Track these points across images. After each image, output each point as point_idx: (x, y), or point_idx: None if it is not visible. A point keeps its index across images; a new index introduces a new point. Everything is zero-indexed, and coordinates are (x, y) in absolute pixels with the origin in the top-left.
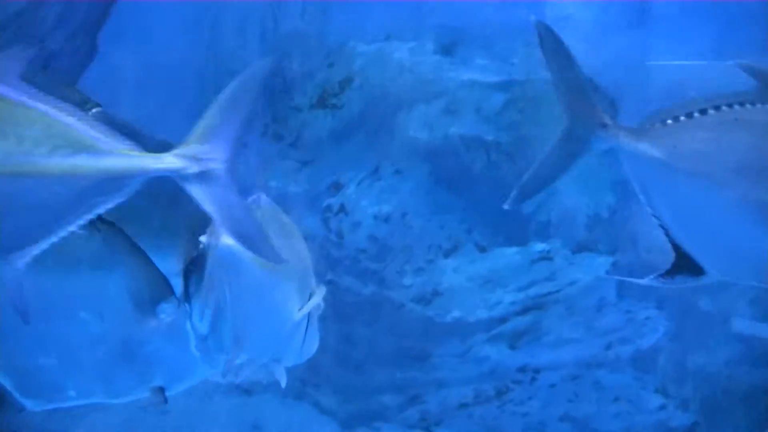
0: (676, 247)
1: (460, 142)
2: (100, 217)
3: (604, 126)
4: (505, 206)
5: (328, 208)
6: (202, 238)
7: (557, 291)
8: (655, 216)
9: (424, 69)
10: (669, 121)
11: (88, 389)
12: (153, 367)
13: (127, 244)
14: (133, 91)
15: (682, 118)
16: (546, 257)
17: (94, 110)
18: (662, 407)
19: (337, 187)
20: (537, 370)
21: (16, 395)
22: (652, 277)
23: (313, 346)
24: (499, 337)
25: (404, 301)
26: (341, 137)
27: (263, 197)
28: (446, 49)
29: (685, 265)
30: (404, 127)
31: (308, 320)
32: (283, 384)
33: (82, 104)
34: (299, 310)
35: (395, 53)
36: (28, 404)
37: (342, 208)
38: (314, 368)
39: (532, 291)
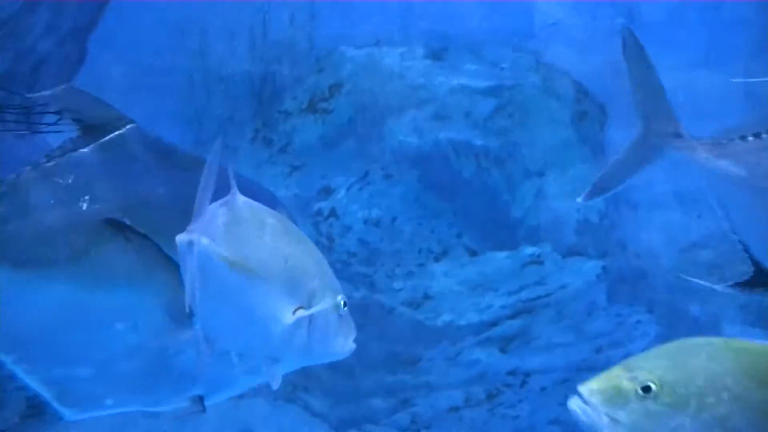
0: (755, 263)
1: (449, 147)
2: (133, 230)
3: (679, 136)
4: (579, 200)
5: (319, 212)
6: (179, 237)
7: (547, 295)
8: (733, 231)
9: (414, 74)
10: (750, 138)
11: (126, 398)
12: (190, 377)
13: (160, 257)
14: (122, 96)
15: (765, 135)
16: (536, 261)
17: (128, 126)
18: None
19: (327, 192)
20: (527, 374)
21: (55, 405)
22: (727, 284)
23: (325, 348)
24: (490, 341)
25: (394, 305)
26: (331, 142)
27: (239, 197)
28: (436, 55)
29: (765, 280)
30: (394, 132)
31: (311, 322)
32: (275, 386)
33: (117, 120)
34: (294, 311)
35: (385, 58)
36: (66, 413)
37: (332, 213)
38: (305, 372)
39: (523, 295)
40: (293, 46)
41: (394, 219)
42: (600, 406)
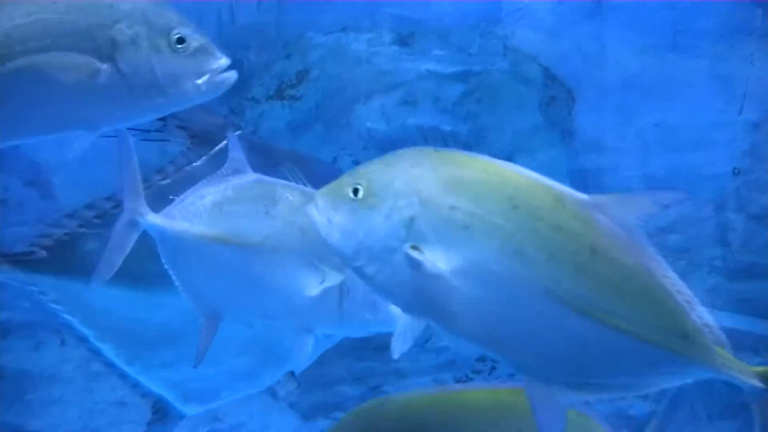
0: None
1: (417, 132)
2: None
3: None
4: None
5: None
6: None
7: None
8: None
9: (381, 60)
10: None
11: (238, 386)
12: (286, 356)
13: None
14: None
15: None
16: None
17: (236, 133)
18: (621, 396)
19: None
20: (496, 360)
21: (177, 404)
22: None
23: (365, 318)
24: None
25: None
26: (299, 129)
27: (251, 174)
28: (403, 40)
29: None
30: (362, 118)
31: (343, 292)
32: (303, 356)
33: (223, 128)
34: (321, 283)
35: (352, 44)
36: (187, 409)
37: None
38: None
39: None
40: (261, 33)
41: None
42: (323, 208)
